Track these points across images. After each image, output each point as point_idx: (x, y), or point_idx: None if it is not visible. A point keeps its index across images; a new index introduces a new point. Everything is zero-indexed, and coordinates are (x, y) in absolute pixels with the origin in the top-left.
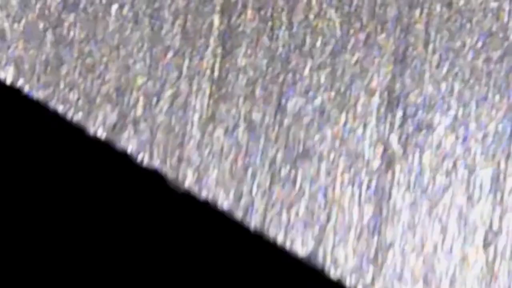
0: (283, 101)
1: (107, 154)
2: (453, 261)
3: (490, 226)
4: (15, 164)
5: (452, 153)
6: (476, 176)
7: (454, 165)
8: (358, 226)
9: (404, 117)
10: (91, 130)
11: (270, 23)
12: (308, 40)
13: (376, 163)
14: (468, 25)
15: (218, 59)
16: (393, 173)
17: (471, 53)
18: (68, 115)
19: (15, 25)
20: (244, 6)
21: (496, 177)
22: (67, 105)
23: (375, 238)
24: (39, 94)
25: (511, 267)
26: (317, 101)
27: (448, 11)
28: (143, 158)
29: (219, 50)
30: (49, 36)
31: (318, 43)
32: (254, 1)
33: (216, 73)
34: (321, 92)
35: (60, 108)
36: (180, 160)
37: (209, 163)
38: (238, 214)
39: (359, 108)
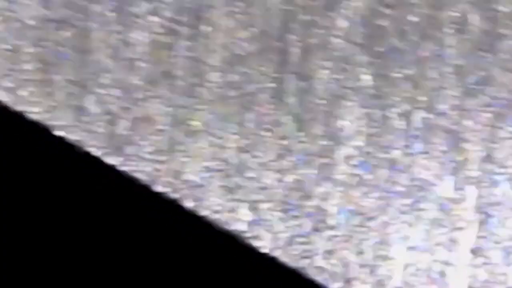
0: None
1: None
2: None
3: None
4: None
5: None
6: None
7: None
8: None
9: None
10: None
11: None
12: None
13: None
14: None
15: (476, 229)
16: None
17: None
18: (325, 284)
19: None
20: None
21: None
22: (324, 274)
23: None
24: (291, 263)
25: None
26: None
27: None
28: None
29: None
30: None
31: None
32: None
33: (472, 243)
34: None
35: (318, 278)
36: None
37: None
38: None
39: None
